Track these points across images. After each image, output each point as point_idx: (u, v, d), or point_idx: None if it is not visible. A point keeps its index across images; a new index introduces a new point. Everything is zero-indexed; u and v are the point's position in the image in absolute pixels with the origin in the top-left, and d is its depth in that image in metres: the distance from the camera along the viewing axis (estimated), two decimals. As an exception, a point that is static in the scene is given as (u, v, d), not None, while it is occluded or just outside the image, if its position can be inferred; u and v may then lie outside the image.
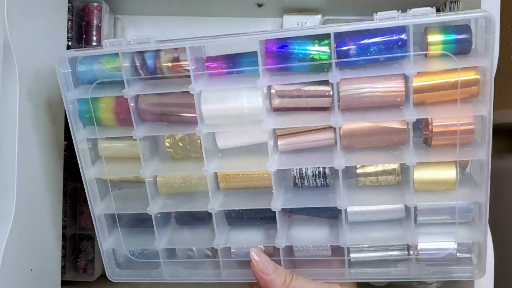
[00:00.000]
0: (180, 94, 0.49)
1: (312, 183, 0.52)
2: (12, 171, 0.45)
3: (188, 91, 0.46)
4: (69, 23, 0.64)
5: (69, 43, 0.65)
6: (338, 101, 0.46)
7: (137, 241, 0.55)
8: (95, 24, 0.67)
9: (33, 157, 0.48)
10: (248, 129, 0.49)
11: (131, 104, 0.48)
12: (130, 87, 0.48)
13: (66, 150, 0.61)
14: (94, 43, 0.67)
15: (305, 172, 0.51)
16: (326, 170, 0.51)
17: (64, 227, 0.64)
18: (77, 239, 0.67)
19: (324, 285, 0.51)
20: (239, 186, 0.53)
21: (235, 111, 0.48)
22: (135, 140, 0.49)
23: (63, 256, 0.64)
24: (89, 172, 0.52)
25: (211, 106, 0.48)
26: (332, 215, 0.52)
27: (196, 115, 0.48)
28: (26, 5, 0.46)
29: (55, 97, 0.54)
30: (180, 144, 0.51)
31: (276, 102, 0.48)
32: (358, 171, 0.50)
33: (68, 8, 0.62)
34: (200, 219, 0.54)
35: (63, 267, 0.64)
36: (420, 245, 0.51)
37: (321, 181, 0.51)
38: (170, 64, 0.49)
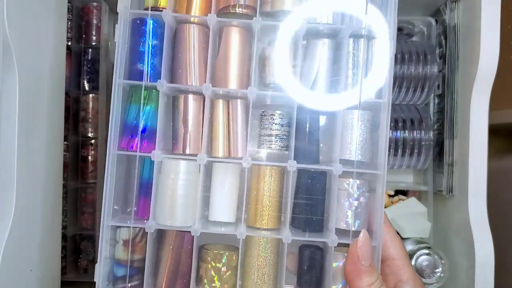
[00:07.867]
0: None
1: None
2: (12, 171, 0.44)
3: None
4: (69, 23, 0.64)
5: (69, 43, 0.65)
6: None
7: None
8: (94, 24, 0.67)
9: (32, 157, 0.48)
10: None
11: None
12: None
13: (66, 150, 0.61)
14: (93, 43, 0.67)
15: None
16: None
17: (64, 227, 0.64)
18: (78, 239, 0.67)
19: None
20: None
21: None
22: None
23: (64, 257, 0.64)
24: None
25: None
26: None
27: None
28: (26, 5, 0.46)
29: (55, 97, 0.54)
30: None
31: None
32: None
33: (68, 8, 0.62)
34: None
35: (64, 268, 0.64)
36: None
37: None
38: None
